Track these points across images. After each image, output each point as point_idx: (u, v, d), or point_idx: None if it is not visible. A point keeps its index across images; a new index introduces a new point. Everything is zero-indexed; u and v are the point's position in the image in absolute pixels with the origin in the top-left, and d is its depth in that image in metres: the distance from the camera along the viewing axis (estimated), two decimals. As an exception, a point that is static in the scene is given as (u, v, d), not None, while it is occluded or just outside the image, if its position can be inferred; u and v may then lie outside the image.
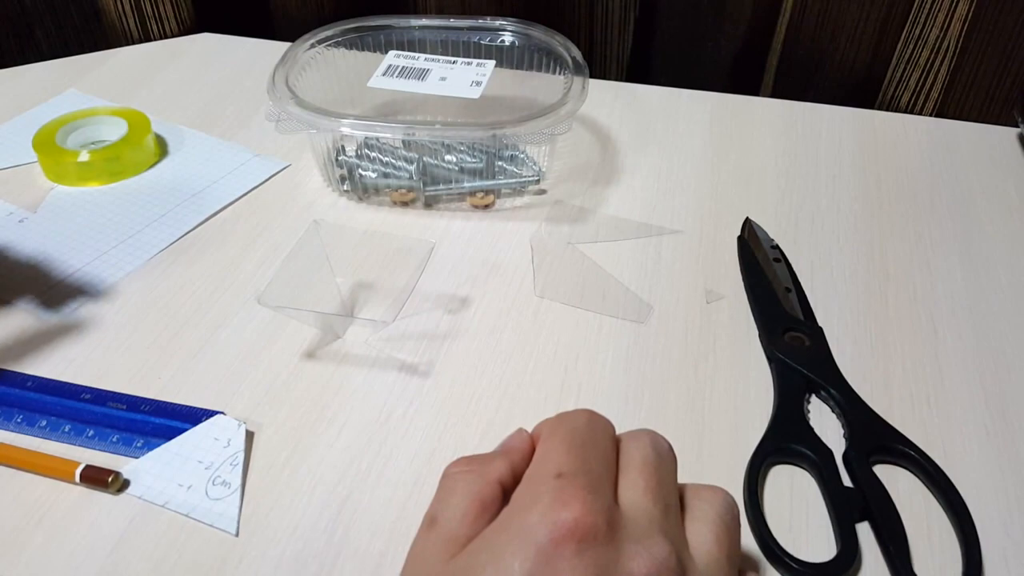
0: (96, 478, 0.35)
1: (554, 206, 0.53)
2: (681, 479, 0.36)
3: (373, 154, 0.52)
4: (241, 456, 0.36)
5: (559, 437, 0.28)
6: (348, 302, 0.44)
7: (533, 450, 0.29)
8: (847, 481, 0.36)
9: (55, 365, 0.41)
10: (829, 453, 0.37)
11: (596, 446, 0.28)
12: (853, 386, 0.40)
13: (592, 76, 0.51)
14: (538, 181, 0.53)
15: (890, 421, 0.38)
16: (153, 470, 0.36)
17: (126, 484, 0.36)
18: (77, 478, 0.35)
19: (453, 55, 0.56)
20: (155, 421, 0.38)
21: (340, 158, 0.52)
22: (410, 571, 0.26)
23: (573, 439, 0.28)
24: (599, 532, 0.24)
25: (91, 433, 0.37)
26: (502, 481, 0.28)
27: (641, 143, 0.59)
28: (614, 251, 0.49)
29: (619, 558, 0.24)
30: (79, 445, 0.37)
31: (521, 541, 0.24)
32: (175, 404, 0.39)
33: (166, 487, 0.35)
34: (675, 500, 0.28)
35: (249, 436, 0.38)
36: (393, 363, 0.42)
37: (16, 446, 0.37)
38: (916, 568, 0.33)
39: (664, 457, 0.29)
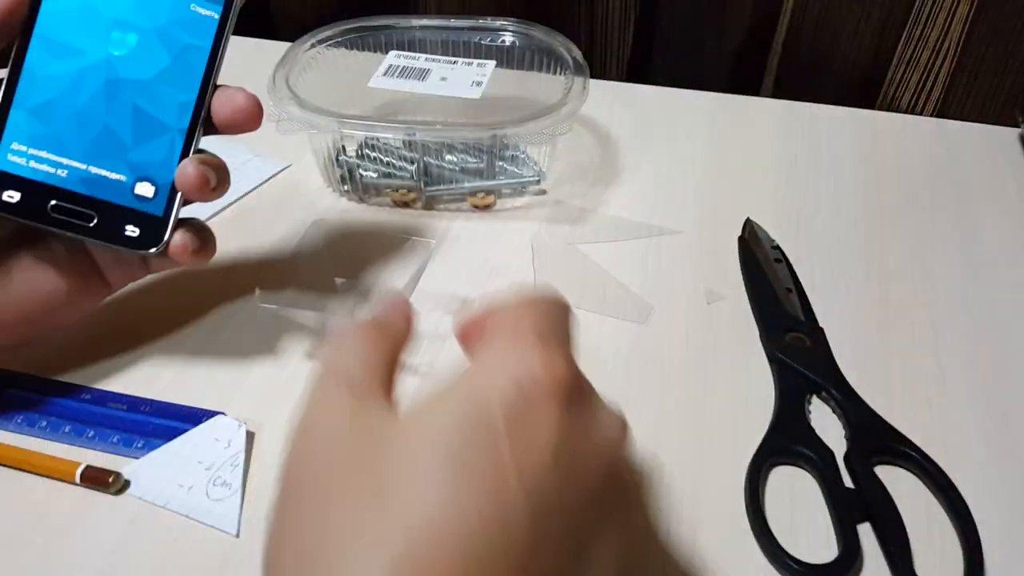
0: (97, 479, 0.35)
1: (554, 206, 0.53)
2: (682, 480, 0.36)
3: (374, 154, 0.52)
4: (242, 457, 0.36)
5: (539, 304, 0.27)
6: (349, 302, 0.44)
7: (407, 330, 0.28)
8: (848, 482, 0.36)
9: (55, 365, 0.41)
10: (830, 454, 0.37)
11: (564, 322, 0.27)
12: (854, 386, 0.40)
13: (592, 76, 0.51)
14: (538, 181, 0.53)
15: (891, 421, 0.38)
16: (154, 471, 0.36)
17: (126, 485, 0.36)
18: (78, 479, 0.35)
19: (453, 55, 0.56)
20: (155, 421, 0.38)
21: (340, 158, 0.52)
22: (319, 435, 0.24)
23: (553, 311, 0.27)
24: (581, 390, 0.24)
25: (91, 434, 0.37)
26: (402, 341, 0.27)
27: (641, 143, 0.59)
28: (614, 251, 0.49)
29: (601, 420, 0.25)
30: (79, 446, 0.37)
31: (487, 401, 0.22)
32: (175, 404, 0.39)
33: (166, 488, 0.35)
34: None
35: (250, 437, 0.38)
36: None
37: (17, 447, 0.37)
38: (917, 569, 0.33)
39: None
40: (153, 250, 0.37)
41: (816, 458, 0.36)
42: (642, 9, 0.69)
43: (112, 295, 0.40)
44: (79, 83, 0.36)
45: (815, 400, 0.40)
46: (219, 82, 0.37)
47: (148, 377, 0.41)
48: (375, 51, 0.56)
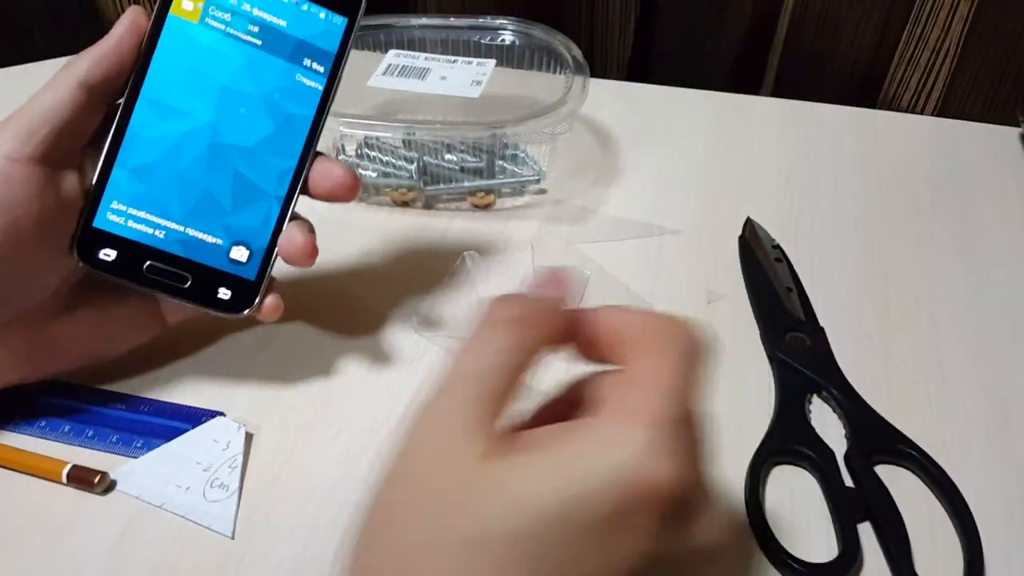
0: (83, 479, 0.35)
1: (554, 206, 0.53)
2: (682, 480, 0.36)
3: (373, 153, 0.52)
4: (240, 459, 0.36)
5: (680, 366, 0.24)
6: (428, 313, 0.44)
7: (563, 322, 0.26)
8: (848, 481, 0.36)
9: (54, 365, 0.41)
10: (830, 453, 0.37)
11: (694, 387, 0.24)
12: (854, 386, 0.40)
13: (592, 75, 0.51)
14: (538, 181, 0.53)
15: (891, 421, 0.38)
16: (152, 471, 0.36)
17: (112, 485, 0.36)
18: (64, 479, 0.35)
19: (453, 54, 0.55)
20: (154, 422, 0.38)
21: (340, 157, 0.52)
22: (426, 438, 0.23)
23: (690, 375, 0.24)
24: (677, 502, 0.23)
25: (90, 433, 0.37)
26: (544, 346, 0.25)
27: (642, 143, 0.59)
28: (614, 251, 0.49)
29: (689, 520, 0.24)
30: (78, 445, 0.37)
31: (611, 476, 0.22)
32: (175, 404, 0.39)
33: (164, 488, 0.35)
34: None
35: (248, 438, 0.38)
36: (391, 365, 0.41)
37: (5, 445, 0.37)
38: (918, 568, 0.33)
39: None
40: (244, 313, 0.37)
41: (816, 458, 0.36)
42: (642, 9, 0.69)
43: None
44: (182, 146, 0.36)
45: (815, 400, 0.40)
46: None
47: (148, 377, 0.41)
48: (374, 50, 0.56)
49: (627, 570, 0.23)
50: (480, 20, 0.56)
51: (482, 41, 0.55)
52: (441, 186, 0.52)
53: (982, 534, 0.34)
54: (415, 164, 0.51)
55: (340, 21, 0.37)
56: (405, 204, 0.52)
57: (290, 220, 0.37)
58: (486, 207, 0.52)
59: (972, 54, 0.61)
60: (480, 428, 0.23)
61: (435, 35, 0.55)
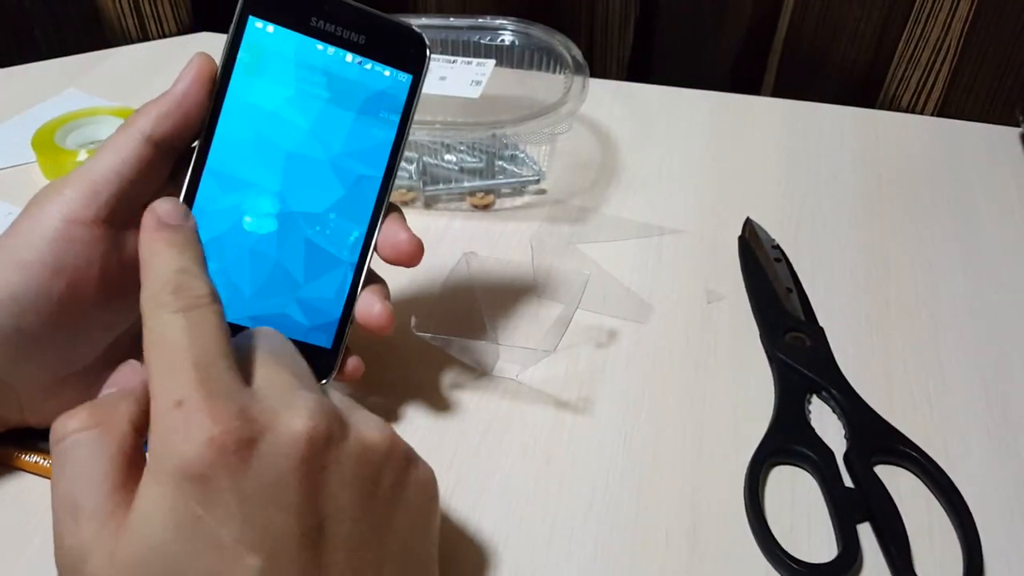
0: None
1: (554, 206, 0.53)
2: (682, 479, 0.36)
3: (373, 154, 0.52)
4: None
5: (159, 353, 0.25)
6: (493, 334, 0.43)
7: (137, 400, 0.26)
8: (848, 482, 0.36)
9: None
10: (830, 453, 0.37)
11: (203, 344, 0.25)
12: (854, 386, 0.40)
13: (592, 75, 0.51)
14: (538, 181, 0.53)
15: (891, 421, 0.38)
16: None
17: None
18: None
19: (453, 54, 0.56)
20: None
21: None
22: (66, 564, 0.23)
23: (174, 347, 0.24)
24: (242, 434, 0.23)
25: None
26: (135, 424, 0.25)
27: (641, 143, 0.59)
28: (614, 251, 0.49)
29: (279, 434, 0.24)
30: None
31: (176, 489, 0.22)
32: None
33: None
34: (304, 367, 0.28)
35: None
36: (391, 365, 0.41)
37: (30, 450, 0.36)
38: (917, 569, 0.33)
39: (274, 334, 0.28)
40: (323, 383, 0.35)
41: (816, 458, 0.36)
42: (642, 9, 0.69)
43: None
44: (250, 219, 0.34)
45: (815, 400, 0.40)
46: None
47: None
48: (375, 50, 0.56)
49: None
50: (480, 20, 0.56)
51: (482, 41, 0.55)
52: (441, 186, 0.52)
53: (981, 534, 0.34)
54: (415, 164, 0.52)
55: (405, 79, 0.35)
56: (405, 204, 0.52)
57: (364, 281, 0.36)
58: (486, 207, 0.52)
59: (972, 54, 0.61)
60: (117, 519, 0.23)
61: (435, 35, 0.55)
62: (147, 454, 0.24)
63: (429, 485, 0.29)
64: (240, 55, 0.33)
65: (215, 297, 0.26)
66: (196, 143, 0.33)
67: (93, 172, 0.32)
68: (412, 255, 0.36)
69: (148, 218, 0.28)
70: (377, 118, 0.35)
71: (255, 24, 0.33)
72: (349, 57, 0.35)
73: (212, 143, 0.33)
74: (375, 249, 0.36)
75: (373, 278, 0.37)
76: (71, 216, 0.31)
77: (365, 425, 0.26)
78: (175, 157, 0.34)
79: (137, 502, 0.23)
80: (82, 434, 0.24)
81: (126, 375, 0.28)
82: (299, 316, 0.35)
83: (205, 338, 0.25)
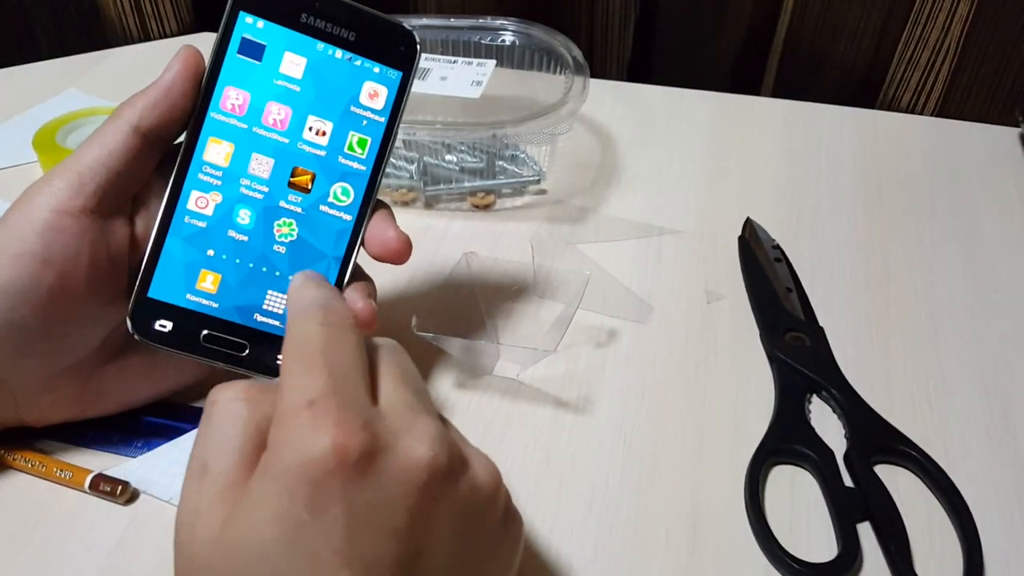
0: (105, 487, 0.35)
1: (554, 206, 0.53)
2: (682, 479, 0.36)
3: (373, 154, 0.52)
4: None
5: (298, 356, 0.26)
6: (494, 334, 0.43)
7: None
8: (848, 481, 0.36)
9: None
10: (830, 453, 0.37)
11: (341, 351, 0.26)
12: (854, 386, 0.40)
13: (593, 76, 0.51)
14: (538, 181, 0.53)
15: (891, 421, 0.38)
16: (155, 469, 0.36)
17: (135, 495, 0.35)
18: (86, 486, 0.35)
19: (453, 55, 0.56)
20: (156, 421, 0.38)
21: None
22: (185, 538, 0.24)
23: (313, 354, 0.25)
24: (365, 447, 0.23)
25: (91, 433, 0.37)
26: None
27: (641, 143, 0.59)
28: (614, 251, 0.49)
29: (399, 455, 0.24)
30: (79, 445, 0.37)
31: (288, 488, 0.23)
32: (177, 404, 0.39)
33: (173, 483, 0.35)
34: (423, 384, 0.28)
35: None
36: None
37: (30, 452, 0.36)
38: (917, 568, 0.33)
39: (400, 349, 0.28)
40: None
41: (816, 457, 0.36)
42: (642, 9, 0.69)
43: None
44: (236, 211, 0.34)
45: (815, 400, 0.40)
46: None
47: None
48: (375, 51, 0.56)
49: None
50: (480, 20, 0.56)
51: (482, 41, 0.55)
52: (441, 186, 0.52)
53: (981, 534, 0.34)
54: (415, 165, 0.52)
55: (395, 75, 0.35)
56: (405, 204, 0.53)
57: (350, 279, 0.36)
58: (486, 207, 0.52)
59: (971, 54, 0.61)
60: (234, 493, 0.24)
61: (435, 35, 0.56)
62: (267, 448, 0.24)
63: (519, 537, 0.28)
64: (230, 50, 0.34)
65: (356, 326, 0.27)
66: (184, 135, 0.34)
67: (80, 163, 0.32)
68: (399, 252, 0.36)
69: (295, 278, 0.30)
70: (366, 115, 0.35)
71: (245, 19, 0.34)
72: (339, 53, 0.35)
73: (200, 136, 0.34)
74: (363, 245, 0.36)
75: (361, 277, 0.37)
76: (59, 207, 0.31)
77: (478, 463, 0.26)
78: (162, 148, 0.34)
79: (249, 489, 0.23)
80: (232, 403, 0.25)
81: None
82: (284, 309, 0.35)
83: (343, 353, 0.26)
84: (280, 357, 0.33)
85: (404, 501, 0.23)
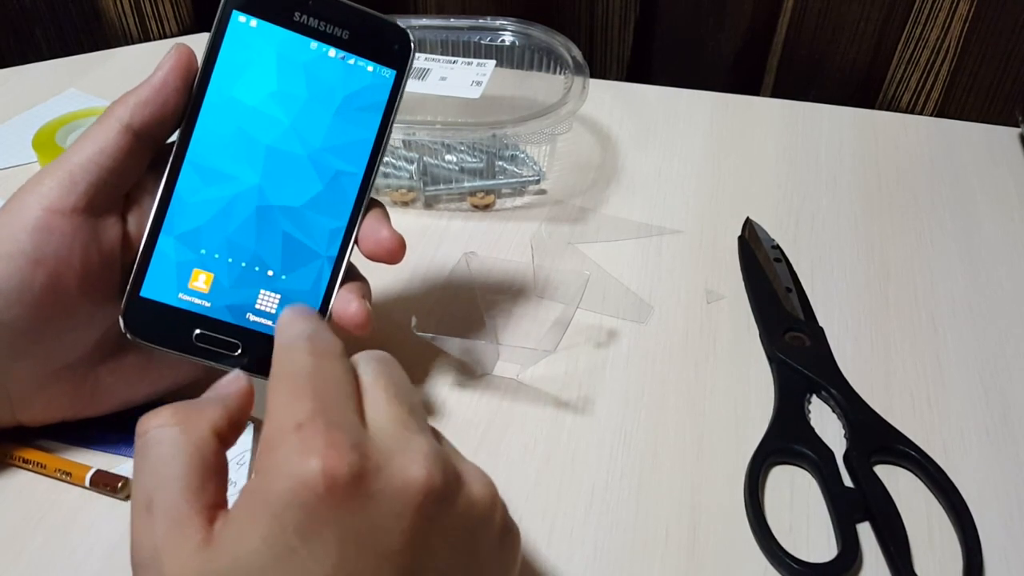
0: (106, 483, 0.35)
1: (554, 206, 0.53)
2: (681, 479, 0.36)
3: (373, 154, 0.52)
4: (248, 455, 0.36)
5: (285, 383, 0.25)
6: (493, 334, 0.43)
7: (250, 395, 0.27)
8: (848, 481, 0.36)
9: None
10: (830, 453, 0.37)
11: (327, 378, 0.25)
12: (854, 386, 0.40)
13: (592, 76, 0.51)
14: (538, 181, 0.53)
15: (891, 421, 0.38)
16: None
17: None
18: (87, 483, 0.35)
19: (453, 55, 0.56)
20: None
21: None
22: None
23: (300, 380, 0.25)
24: (355, 468, 0.23)
25: (90, 433, 0.37)
26: (217, 430, 0.25)
27: (641, 143, 0.59)
28: (614, 251, 0.49)
29: (392, 476, 0.23)
30: (79, 445, 0.37)
31: (276, 514, 0.22)
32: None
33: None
34: (416, 398, 0.27)
35: (256, 435, 0.38)
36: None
37: (31, 448, 0.36)
38: (917, 568, 0.33)
39: (391, 363, 0.28)
40: None
41: (816, 457, 0.36)
42: (642, 9, 0.69)
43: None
44: (229, 210, 0.34)
45: (815, 400, 0.40)
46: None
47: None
48: (375, 51, 0.56)
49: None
50: (480, 21, 0.56)
51: (482, 42, 0.55)
52: (441, 186, 0.52)
53: (981, 534, 0.34)
54: (415, 165, 0.52)
55: (388, 74, 0.35)
56: (405, 204, 0.53)
57: (344, 279, 0.36)
58: (486, 207, 0.52)
59: (971, 54, 0.61)
60: (191, 522, 0.23)
61: (435, 36, 0.56)
62: (252, 473, 0.24)
63: (516, 550, 0.28)
64: (223, 49, 0.34)
65: (344, 352, 0.27)
66: (176, 134, 0.34)
67: (72, 161, 0.32)
68: (393, 251, 0.36)
69: (283, 313, 0.29)
70: (360, 114, 0.35)
71: (238, 18, 0.34)
72: (333, 52, 0.35)
73: (192, 135, 0.34)
74: (356, 244, 0.36)
75: (355, 277, 0.37)
76: (50, 206, 0.31)
77: (473, 478, 0.26)
78: (154, 147, 0.34)
79: (232, 516, 0.23)
80: (162, 431, 0.24)
81: (229, 382, 0.27)
82: (277, 309, 0.35)
83: (331, 379, 0.25)
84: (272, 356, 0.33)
85: (399, 523, 0.23)
